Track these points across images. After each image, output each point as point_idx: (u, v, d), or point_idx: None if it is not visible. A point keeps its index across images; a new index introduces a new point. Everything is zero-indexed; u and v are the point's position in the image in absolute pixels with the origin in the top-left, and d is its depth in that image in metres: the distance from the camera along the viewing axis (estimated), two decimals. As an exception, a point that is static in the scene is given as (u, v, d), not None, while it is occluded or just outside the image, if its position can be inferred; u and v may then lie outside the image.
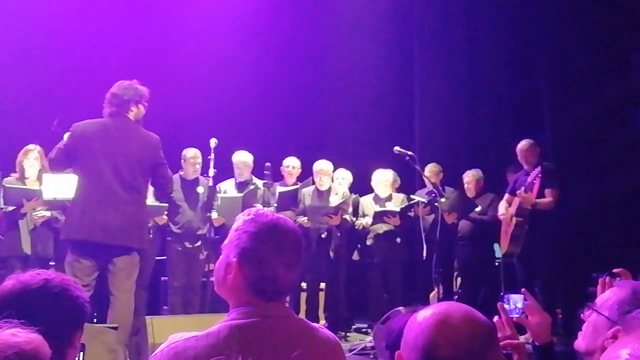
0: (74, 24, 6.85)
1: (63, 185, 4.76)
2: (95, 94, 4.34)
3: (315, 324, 1.63)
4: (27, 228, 5.28)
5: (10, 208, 5.22)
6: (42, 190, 5.07)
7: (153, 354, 1.48)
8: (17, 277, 1.60)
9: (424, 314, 1.26)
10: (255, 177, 6.25)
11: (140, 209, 4.26)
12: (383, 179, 6.46)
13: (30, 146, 5.37)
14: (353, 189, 6.63)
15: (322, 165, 6.36)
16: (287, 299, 1.67)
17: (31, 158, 5.33)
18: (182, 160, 6.03)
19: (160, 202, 5.81)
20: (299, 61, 7.90)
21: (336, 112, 8.01)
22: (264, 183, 5.95)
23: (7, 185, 5.19)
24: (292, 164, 6.41)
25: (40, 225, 5.30)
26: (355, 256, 6.78)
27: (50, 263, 5.17)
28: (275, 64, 7.78)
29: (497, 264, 6.63)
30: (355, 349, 4.99)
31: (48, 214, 5.30)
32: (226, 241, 1.58)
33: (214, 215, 5.82)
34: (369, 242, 6.43)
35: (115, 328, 3.44)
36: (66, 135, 4.33)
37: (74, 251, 4.09)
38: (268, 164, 5.92)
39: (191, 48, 7.38)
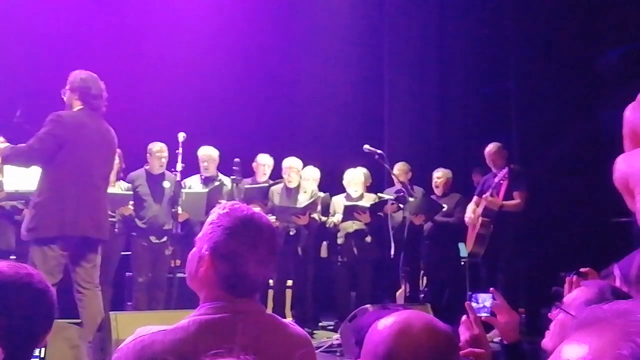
0: (37, 11, 6.70)
1: (25, 177, 4.64)
2: (58, 85, 4.24)
3: (285, 320, 1.62)
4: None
5: None
6: (2, 182, 4.94)
7: (119, 347, 1.45)
8: None
9: (385, 323, 1.25)
10: (223, 173, 6.19)
11: (106, 201, 4.28)
12: (355, 177, 6.46)
13: None
14: (323, 187, 6.62)
15: (291, 162, 6.34)
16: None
17: None
18: (148, 154, 5.94)
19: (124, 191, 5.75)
20: (270, 58, 7.87)
21: (306, 109, 8.00)
22: (232, 179, 5.90)
23: None
24: (266, 162, 6.39)
25: (1, 217, 5.17)
26: (324, 254, 6.77)
27: (11, 257, 5.04)
28: (247, 59, 7.73)
29: (462, 263, 6.71)
30: (322, 347, 4.98)
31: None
32: (200, 234, 1.55)
33: (179, 210, 5.75)
34: (339, 240, 6.43)
35: (79, 324, 3.37)
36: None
37: (54, 248, 3.94)
38: (237, 159, 5.88)
39: (161, 41, 7.28)
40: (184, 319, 1.48)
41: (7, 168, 4.92)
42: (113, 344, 3.72)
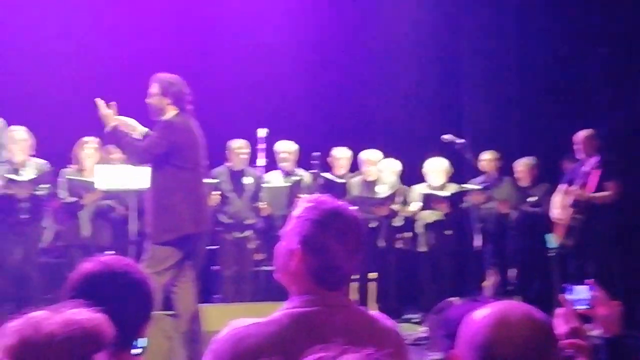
0: (122, 16, 6.94)
1: (117, 176, 4.85)
2: (142, 85, 4.33)
3: (375, 314, 1.60)
4: (86, 218, 5.44)
5: (71, 199, 5.38)
6: (94, 181, 5.18)
7: (214, 339, 1.48)
8: (98, 258, 1.62)
9: (481, 314, 1.23)
10: (303, 168, 6.25)
11: None
12: (436, 166, 6.34)
13: (87, 138, 5.50)
14: (403, 179, 6.56)
15: (369, 155, 6.31)
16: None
17: (88, 149, 5.47)
18: (228, 151, 6.07)
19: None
20: (345, 50, 7.84)
21: (384, 100, 7.91)
22: (312, 173, 5.95)
23: (68, 177, 5.33)
24: (342, 155, 6.39)
25: (98, 215, 5.45)
26: (405, 245, 6.72)
27: (108, 252, 5.30)
28: (323, 53, 7.73)
29: (550, 255, 6.48)
30: (407, 340, 4.94)
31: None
32: (287, 228, 1.56)
33: (261, 205, 5.87)
34: (418, 230, 6.36)
35: (173, 315, 3.49)
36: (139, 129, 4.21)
37: (177, 247, 4.08)
38: (316, 153, 5.92)
39: (239, 38, 7.39)
40: (276, 311, 1.50)
41: (98, 167, 5.16)
42: (204, 335, 3.84)
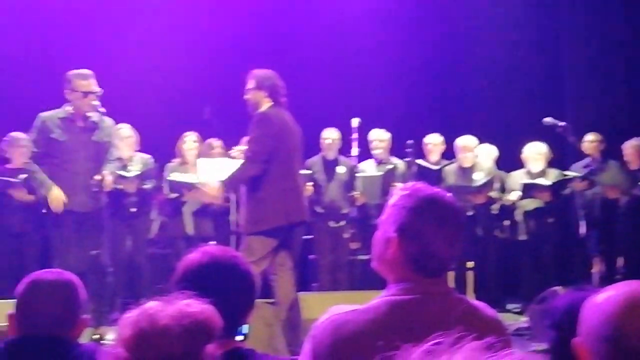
0: (217, 14, 7.13)
1: (218, 169, 5.01)
2: (238, 82, 4.46)
3: (476, 302, 1.57)
4: (190, 211, 5.71)
5: (173, 195, 5.65)
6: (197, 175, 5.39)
7: (314, 325, 1.50)
8: (204, 249, 1.68)
9: (607, 298, 1.13)
10: (396, 156, 6.21)
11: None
12: (535, 151, 6.11)
13: (188, 132, 5.76)
14: (501, 165, 6.37)
15: (465, 141, 6.17)
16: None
17: (189, 142, 5.72)
18: (321, 141, 6.13)
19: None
20: (438, 35, 7.68)
21: (478, 84, 7.70)
22: (405, 161, 5.91)
23: (169, 179, 5.60)
24: (435, 141, 6.30)
25: (200, 208, 5.68)
26: (504, 233, 6.53)
27: (211, 243, 5.52)
28: (415, 39, 7.62)
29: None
30: (509, 330, 4.81)
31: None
32: (383, 216, 1.56)
33: (355, 194, 5.89)
34: (518, 218, 6.16)
35: (272, 303, 3.57)
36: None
37: (273, 237, 4.19)
38: (409, 141, 5.86)
39: (330, 28, 7.42)
40: (374, 299, 1.50)
41: (200, 161, 5.36)
42: (303, 323, 3.91)
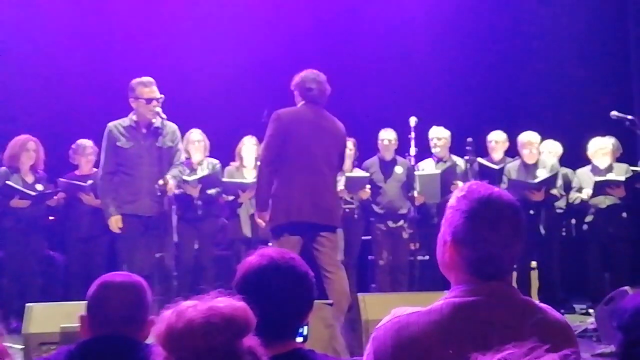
0: (276, 16, 7.21)
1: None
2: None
3: (541, 304, 1.52)
4: (246, 214, 5.79)
5: (230, 198, 5.75)
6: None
7: (377, 327, 1.49)
8: (262, 252, 1.71)
9: None
10: (456, 155, 6.13)
11: (333, 187, 4.54)
12: (601, 147, 5.92)
13: (247, 136, 5.86)
14: (565, 161, 6.19)
15: (527, 137, 6.03)
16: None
17: (248, 145, 5.81)
18: (379, 142, 6.12)
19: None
20: (498, 29, 7.53)
21: (541, 78, 7.50)
22: (465, 159, 5.83)
23: (224, 180, 5.69)
24: (497, 138, 6.18)
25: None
26: (568, 232, 6.35)
27: (269, 244, 5.58)
28: (473, 34, 7.50)
29: None
30: (575, 331, 4.68)
31: None
32: (444, 217, 1.53)
33: (414, 194, 5.84)
34: (588, 217, 5.98)
35: (330, 304, 3.58)
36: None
37: (286, 235, 4.27)
38: (470, 139, 5.78)
39: (386, 26, 7.39)
40: (437, 301, 1.48)
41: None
42: (363, 324, 3.91)
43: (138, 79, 4.75)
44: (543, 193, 5.80)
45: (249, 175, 5.80)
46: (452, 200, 1.52)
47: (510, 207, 1.48)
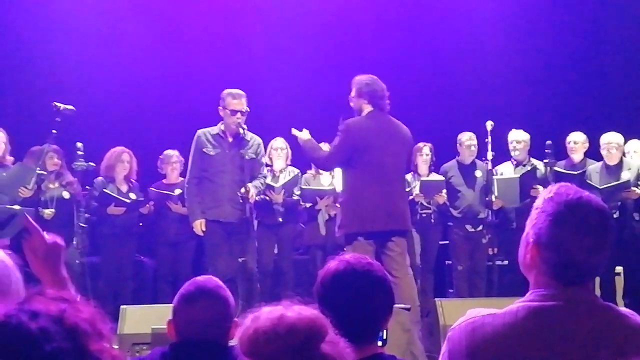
0: (347, 24, 7.29)
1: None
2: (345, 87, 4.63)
3: (624, 310, 1.49)
4: (322, 220, 5.90)
5: (308, 205, 5.87)
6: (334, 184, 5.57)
7: (452, 327, 1.50)
8: (342, 258, 1.77)
9: None
10: (535, 158, 6.00)
11: (402, 192, 4.66)
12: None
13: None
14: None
15: (609, 138, 5.83)
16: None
17: None
18: (458, 145, 6.08)
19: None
20: (573, 26, 7.31)
21: (622, 77, 7.21)
22: (545, 162, 5.70)
23: (303, 187, 5.84)
24: (576, 139, 6.01)
25: (334, 216, 5.85)
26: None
27: (344, 249, 5.66)
28: (550, 36, 7.32)
29: None
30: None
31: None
32: (529, 219, 1.51)
33: (493, 198, 5.76)
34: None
35: (408, 309, 3.61)
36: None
37: (360, 239, 4.35)
38: (549, 142, 5.65)
39: (462, 29, 7.31)
40: (513, 303, 1.47)
41: (337, 172, 5.55)
42: (441, 329, 3.91)
43: (229, 90, 4.94)
44: (635, 192, 5.57)
45: (326, 182, 5.90)
46: (539, 202, 1.48)
47: (599, 212, 1.44)
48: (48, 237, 1.86)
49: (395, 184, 4.47)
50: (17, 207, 4.91)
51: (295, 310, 1.20)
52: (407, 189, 5.32)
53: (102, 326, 0.96)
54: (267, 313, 1.20)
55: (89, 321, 0.95)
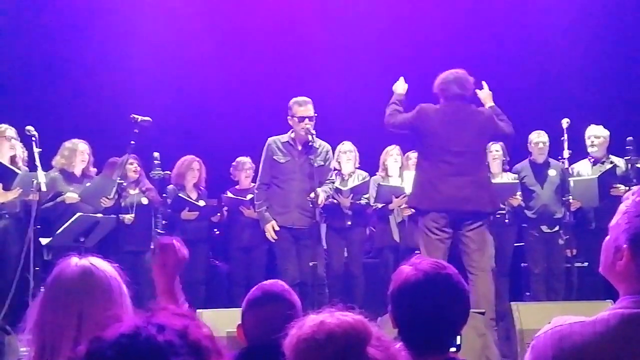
0: (415, 24, 7.23)
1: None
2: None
3: None
4: (395, 221, 5.86)
5: (380, 205, 5.85)
6: (404, 186, 5.53)
7: (536, 336, 1.45)
8: (416, 263, 1.76)
9: None
10: (614, 155, 5.76)
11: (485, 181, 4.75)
12: None
13: (390, 147, 5.95)
14: None
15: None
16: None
17: (394, 156, 5.90)
18: (528, 144, 5.93)
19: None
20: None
21: None
22: (626, 159, 5.46)
23: (380, 184, 5.82)
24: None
25: (406, 218, 5.80)
26: None
27: (416, 252, 5.60)
28: (624, 29, 7.02)
29: None
30: None
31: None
32: (614, 222, 1.44)
33: (570, 199, 5.57)
34: None
35: (482, 313, 3.55)
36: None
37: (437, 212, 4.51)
38: (630, 138, 5.42)
39: (535, 25, 7.13)
40: (604, 311, 1.40)
41: (407, 175, 5.51)
42: (517, 333, 3.82)
43: (295, 98, 5.03)
44: None
45: (395, 183, 5.86)
46: (629, 204, 1.43)
47: None
48: (177, 246, 1.96)
49: (469, 170, 4.54)
50: (99, 215, 5.12)
51: (337, 317, 1.20)
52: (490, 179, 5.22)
53: (220, 344, 0.99)
54: (310, 320, 1.21)
55: (209, 338, 0.98)
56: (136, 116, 4.83)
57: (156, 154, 5.50)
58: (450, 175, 4.48)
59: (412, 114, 4.68)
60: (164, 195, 5.81)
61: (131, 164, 5.44)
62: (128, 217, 5.40)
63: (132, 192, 5.56)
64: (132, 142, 4.84)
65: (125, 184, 5.12)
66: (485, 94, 4.81)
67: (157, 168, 5.48)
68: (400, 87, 4.87)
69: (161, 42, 7.03)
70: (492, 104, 4.79)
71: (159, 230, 5.68)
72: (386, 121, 4.79)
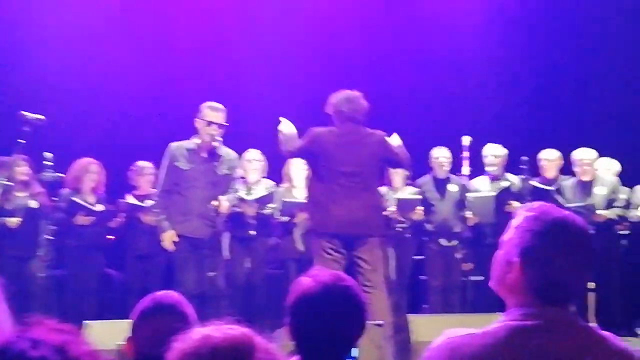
0: (327, 38, 7.28)
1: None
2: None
3: (604, 333, 1.46)
4: (298, 234, 5.83)
5: (285, 219, 5.79)
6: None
7: (428, 348, 1.47)
8: (315, 275, 1.71)
9: None
10: (512, 173, 6.02)
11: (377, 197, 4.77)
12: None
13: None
14: (624, 180, 5.98)
15: (582, 154, 5.87)
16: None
17: (296, 165, 5.85)
18: (432, 160, 6.09)
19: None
20: (550, 42, 7.37)
21: (595, 95, 7.27)
22: (521, 178, 5.71)
23: (284, 200, 5.76)
24: (549, 157, 6.00)
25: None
26: (630, 252, 6.13)
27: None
28: (525, 50, 7.38)
29: None
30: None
31: None
32: (506, 236, 1.49)
33: (468, 214, 5.75)
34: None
35: (380, 325, 3.56)
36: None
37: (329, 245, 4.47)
38: (524, 157, 5.67)
39: (438, 43, 7.34)
40: (493, 323, 1.44)
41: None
42: (413, 345, 3.86)
43: (209, 103, 4.89)
44: (606, 214, 5.61)
45: (300, 195, 5.82)
46: (520, 220, 1.47)
47: (584, 232, 1.46)
48: None
49: (351, 189, 4.53)
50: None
51: (223, 330, 1.16)
52: (382, 201, 5.27)
53: None
54: (195, 334, 1.17)
55: (90, 355, 0.93)
56: (26, 113, 4.53)
57: (48, 155, 5.19)
58: (342, 197, 4.47)
59: (305, 140, 4.60)
60: (55, 199, 5.48)
61: (20, 166, 5.10)
62: (13, 220, 5.09)
63: (19, 194, 5.22)
64: (22, 140, 4.53)
65: (12, 184, 4.79)
66: (395, 144, 4.76)
67: (49, 170, 5.17)
68: (287, 129, 4.76)
69: (63, 38, 6.70)
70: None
71: (47, 237, 5.35)
72: (284, 151, 4.73)
